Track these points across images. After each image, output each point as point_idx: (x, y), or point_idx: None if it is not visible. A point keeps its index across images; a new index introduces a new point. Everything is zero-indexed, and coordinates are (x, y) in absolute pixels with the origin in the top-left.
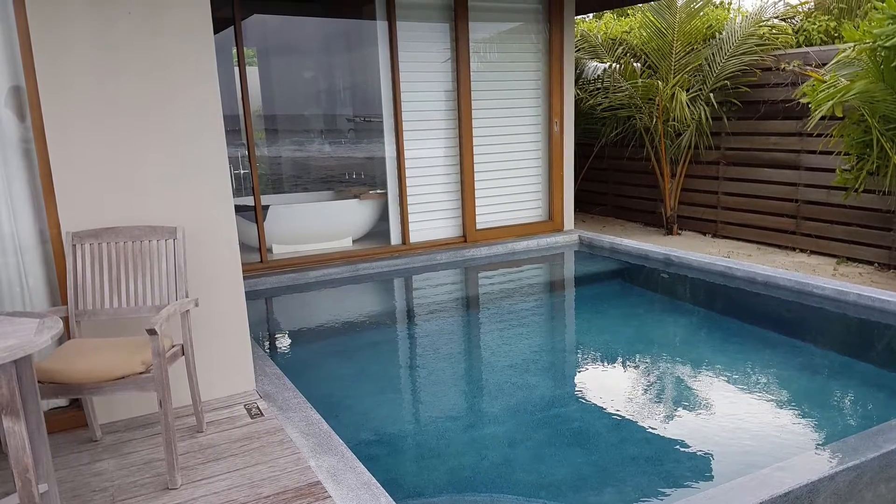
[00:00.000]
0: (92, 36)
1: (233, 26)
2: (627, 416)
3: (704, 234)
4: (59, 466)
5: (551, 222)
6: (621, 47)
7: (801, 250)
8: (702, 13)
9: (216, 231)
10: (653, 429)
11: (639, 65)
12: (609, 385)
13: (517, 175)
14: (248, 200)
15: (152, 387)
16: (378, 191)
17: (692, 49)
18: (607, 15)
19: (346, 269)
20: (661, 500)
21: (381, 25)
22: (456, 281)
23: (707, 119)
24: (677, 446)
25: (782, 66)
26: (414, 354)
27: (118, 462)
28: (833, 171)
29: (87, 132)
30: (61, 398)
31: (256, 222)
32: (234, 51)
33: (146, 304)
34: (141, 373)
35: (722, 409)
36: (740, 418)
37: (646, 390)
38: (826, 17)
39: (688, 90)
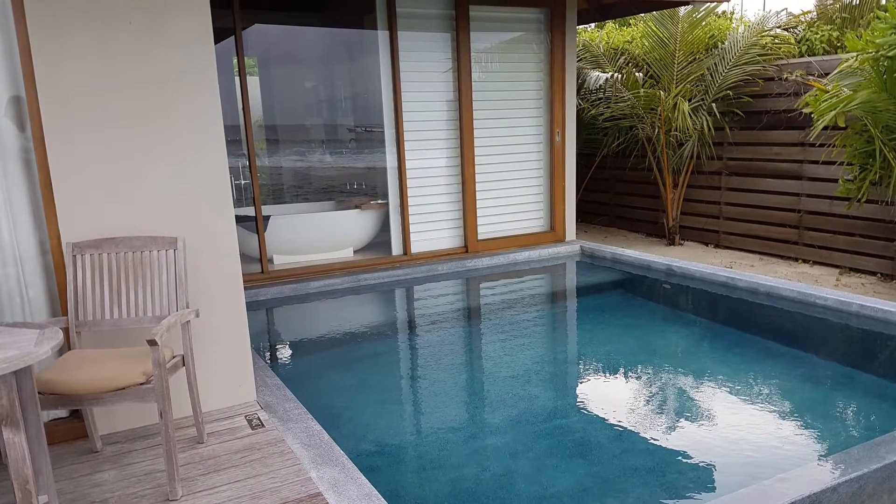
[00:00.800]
0: (92, 46)
1: (233, 36)
2: (629, 427)
3: (706, 244)
4: (59, 477)
5: (553, 233)
6: (623, 57)
7: (804, 261)
8: (704, 23)
9: (217, 241)
10: (655, 440)
11: (641, 74)
12: (611, 396)
13: (519, 185)
14: (249, 211)
15: (153, 398)
16: (379, 201)
17: (694, 59)
18: (609, 25)
19: (347, 279)
20: None
21: (382, 35)
22: (457, 292)
23: (709, 129)
24: (679, 457)
25: (785, 76)
26: (415, 365)
27: (118, 473)
28: (836, 181)
29: (88, 142)
30: (61, 409)
31: (257, 233)
32: (235, 60)
33: (147, 314)
34: (141, 383)
35: (724, 420)
36: (742, 429)
37: (648, 401)
38: (829, 27)
39: (690, 100)
